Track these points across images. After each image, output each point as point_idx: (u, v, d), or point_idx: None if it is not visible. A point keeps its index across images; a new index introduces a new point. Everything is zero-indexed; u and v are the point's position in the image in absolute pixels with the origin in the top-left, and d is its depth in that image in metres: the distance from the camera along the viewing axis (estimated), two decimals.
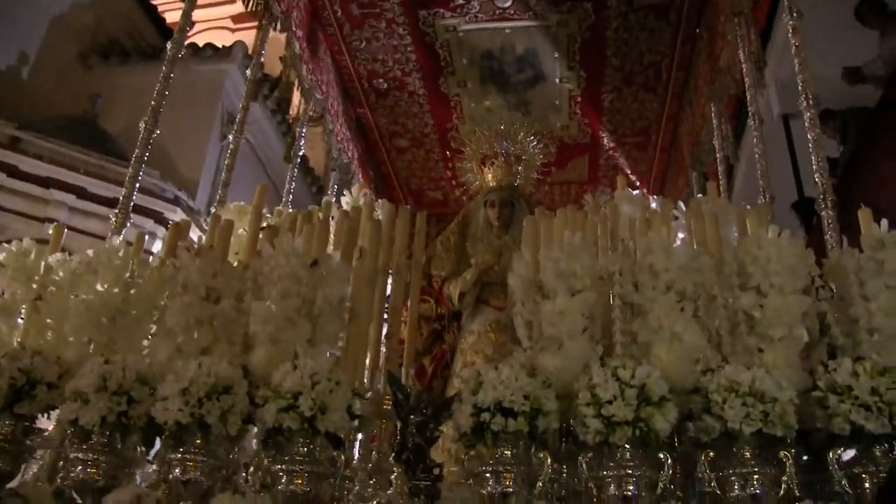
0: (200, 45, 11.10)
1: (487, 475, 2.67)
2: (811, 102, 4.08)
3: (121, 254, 3.34)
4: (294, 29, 6.38)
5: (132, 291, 3.31)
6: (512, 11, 6.87)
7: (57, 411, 3.12)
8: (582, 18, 6.89)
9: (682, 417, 2.70)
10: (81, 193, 8.90)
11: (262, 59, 6.01)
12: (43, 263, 3.45)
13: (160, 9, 13.40)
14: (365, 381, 3.29)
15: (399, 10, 6.86)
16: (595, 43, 7.16)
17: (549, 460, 2.69)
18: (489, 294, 5.66)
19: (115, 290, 3.27)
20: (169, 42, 4.74)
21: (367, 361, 3.43)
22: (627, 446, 2.61)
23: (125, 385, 2.86)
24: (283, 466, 2.74)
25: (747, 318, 2.93)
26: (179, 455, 2.76)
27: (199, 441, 2.76)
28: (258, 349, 2.98)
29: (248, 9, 5.82)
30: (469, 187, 6.49)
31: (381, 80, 7.73)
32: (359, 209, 4.02)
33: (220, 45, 11.05)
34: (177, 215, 8.73)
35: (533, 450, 2.72)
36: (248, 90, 5.88)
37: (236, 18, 16.05)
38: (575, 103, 7.99)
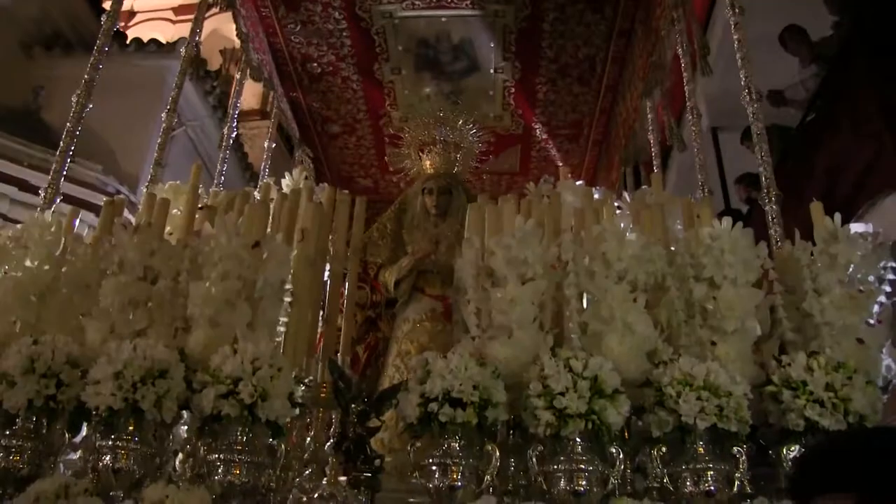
0: (145, 39, 11.01)
1: (434, 468, 2.59)
2: (753, 97, 4.06)
3: (52, 229, 3.16)
4: (238, 7, 6.22)
5: (64, 269, 3.14)
6: (449, 1, 6.76)
7: None
8: (519, 9, 6.82)
9: (633, 411, 2.65)
10: (24, 185, 8.73)
11: (200, 45, 5.82)
12: None
13: None
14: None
15: None
16: (531, 34, 7.10)
17: (498, 453, 2.61)
18: (425, 282, 5.54)
19: (46, 266, 3.10)
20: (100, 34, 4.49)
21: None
22: (579, 440, 2.55)
23: (54, 367, 2.72)
24: (221, 456, 2.63)
25: (700, 309, 2.90)
26: (110, 442, 2.62)
27: (131, 428, 2.62)
28: (196, 332, 2.86)
29: None
30: (404, 174, 6.39)
31: (315, 64, 7.55)
32: (298, 191, 3.92)
33: (164, 41, 10.97)
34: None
35: (481, 441, 2.65)
36: (183, 68, 5.68)
37: (178, 10, 15.87)
38: (509, 94, 7.93)
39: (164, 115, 5.27)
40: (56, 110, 9.64)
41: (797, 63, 8.35)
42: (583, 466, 2.53)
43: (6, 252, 3.13)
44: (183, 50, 10.79)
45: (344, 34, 7.16)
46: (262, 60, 6.86)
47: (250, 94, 12.52)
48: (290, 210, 3.54)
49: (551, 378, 2.55)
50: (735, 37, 4.32)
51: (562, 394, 2.51)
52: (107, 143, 9.26)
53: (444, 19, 7.02)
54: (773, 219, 3.61)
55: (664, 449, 2.65)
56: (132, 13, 20.09)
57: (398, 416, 2.95)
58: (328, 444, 3.09)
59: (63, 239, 3.19)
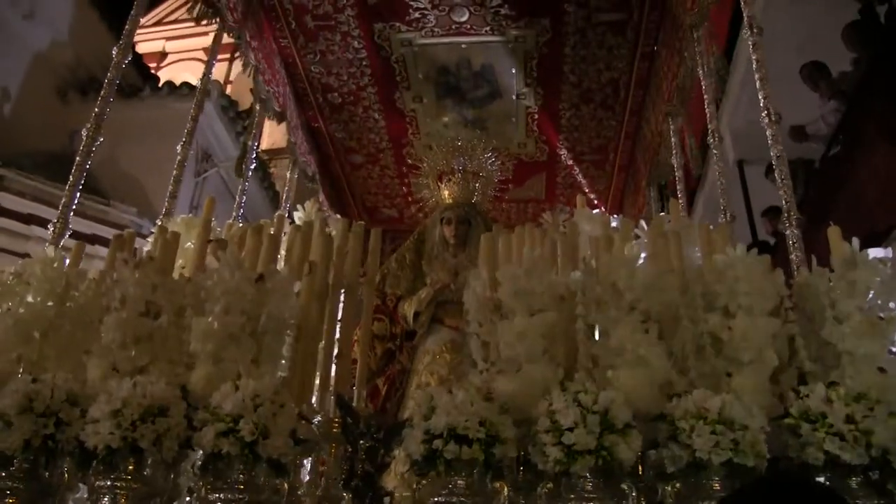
0: (177, 81, 11.29)
1: None
2: (773, 118, 3.97)
3: (55, 265, 3.13)
4: (248, 39, 6.21)
5: (68, 305, 3.10)
6: (469, 26, 6.73)
7: None
8: (539, 34, 6.77)
9: (646, 446, 2.56)
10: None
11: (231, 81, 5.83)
12: None
13: (138, 38, 13.24)
14: (314, 403, 3.11)
15: (354, 23, 6.69)
16: (552, 59, 7.05)
17: (506, 491, 2.53)
18: (444, 313, 5.50)
19: (49, 302, 3.06)
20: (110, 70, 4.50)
21: (317, 382, 3.27)
22: (589, 476, 2.46)
23: (53, 406, 2.67)
24: (221, 495, 2.56)
25: (714, 340, 2.80)
26: (109, 482, 2.56)
27: (131, 467, 2.56)
28: (198, 368, 2.80)
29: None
30: (425, 204, 6.35)
31: (336, 94, 7.55)
32: (311, 224, 3.87)
33: (195, 83, 10.75)
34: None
35: (488, 479, 2.56)
36: (202, 87, 5.67)
37: (208, 51, 15.99)
38: (532, 120, 7.88)
39: (179, 146, 5.21)
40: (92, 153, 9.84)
41: (818, 98, 8.31)
42: None
43: (9, 288, 3.09)
44: (215, 93, 11.33)
45: (364, 63, 7.15)
46: (275, 92, 6.83)
47: (279, 132, 12.65)
48: (302, 242, 3.49)
49: (560, 413, 2.46)
50: (753, 57, 4.23)
51: (570, 429, 2.42)
52: (141, 186, 9.42)
53: (464, 46, 6.98)
54: (793, 243, 3.50)
55: (678, 485, 2.54)
56: (164, 54, 20.47)
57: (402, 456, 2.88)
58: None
59: (66, 274, 3.14)
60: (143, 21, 21.41)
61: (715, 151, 5.16)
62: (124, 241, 3.52)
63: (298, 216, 5.34)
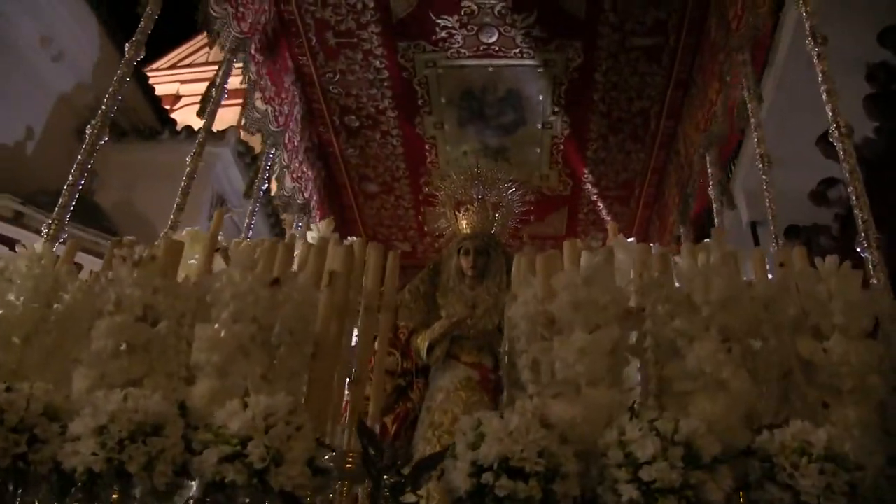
0: (190, 123, 11.36)
1: None
2: (843, 131, 3.62)
3: (43, 261, 2.72)
4: (253, 52, 5.87)
5: (55, 307, 2.70)
6: (497, 48, 6.41)
7: None
8: (570, 58, 6.46)
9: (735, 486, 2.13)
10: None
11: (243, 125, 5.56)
12: None
13: (151, 80, 13.58)
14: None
15: (378, 41, 6.38)
16: (582, 86, 6.73)
17: None
18: (460, 349, 5.15)
19: (34, 304, 2.66)
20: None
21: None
22: None
23: (28, 419, 2.24)
24: None
25: (804, 365, 2.39)
26: None
27: (115, 496, 2.13)
28: (201, 383, 2.39)
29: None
30: (439, 237, 6.02)
31: (354, 116, 7.22)
32: (327, 239, 3.50)
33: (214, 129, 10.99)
34: None
35: None
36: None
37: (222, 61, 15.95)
38: (557, 151, 7.54)
39: (188, 158, 4.86)
40: (106, 193, 10.33)
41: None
42: None
43: None
44: (232, 139, 11.23)
45: (385, 84, 6.84)
46: (275, 111, 6.47)
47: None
48: (319, 253, 3.10)
49: (635, 444, 2.04)
50: (819, 69, 3.88)
51: (649, 462, 2.01)
52: (158, 228, 9.27)
53: (490, 69, 6.68)
54: (874, 266, 3.10)
55: None
56: (178, 97, 20.44)
57: (442, 490, 2.47)
58: None
59: (55, 273, 2.74)
60: (157, 64, 21.68)
61: (765, 178, 4.79)
62: (124, 245, 3.13)
63: (312, 235, 4.98)
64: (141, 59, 4.32)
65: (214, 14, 5.23)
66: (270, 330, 2.48)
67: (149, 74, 14.06)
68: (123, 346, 2.50)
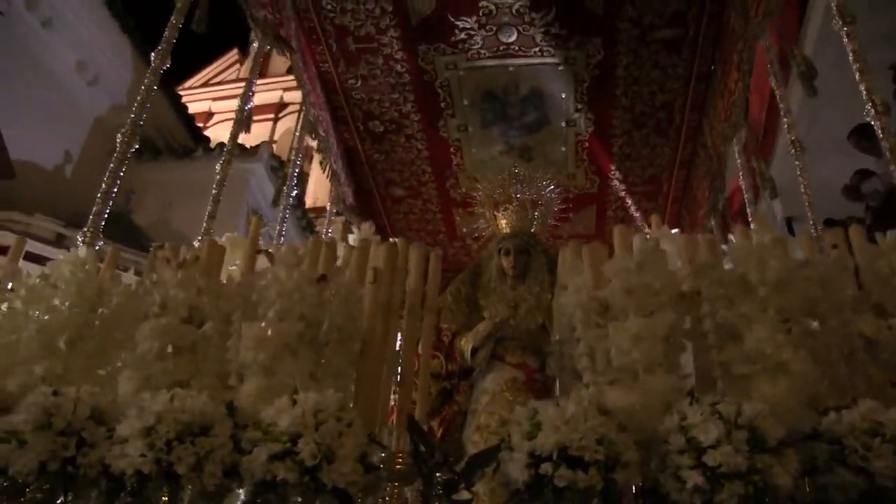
0: (223, 139, 11.19)
1: None
2: (879, 109, 3.54)
3: (87, 266, 2.69)
4: (299, 62, 5.89)
5: (99, 311, 2.66)
6: (517, 47, 6.37)
7: None
8: (591, 55, 6.41)
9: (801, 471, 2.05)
10: None
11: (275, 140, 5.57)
12: None
13: (183, 98, 14.06)
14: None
15: (397, 45, 6.36)
16: (604, 82, 6.68)
17: None
18: (504, 350, 5.08)
19: (77, 309, 2.62)
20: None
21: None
22: None
23: (75, 423, 2.20)
24: None
25: (868, 344, 2.32)
26: None
27: (165, 498, 2.09)
28: (248, 382, 2.34)
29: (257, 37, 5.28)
30: (477, 238, 5.97)
31: (377, 121, 7.19)
32: (369, 240, 3.46)
33: (247, 146, 11.51)
34: None
35: None
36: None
37: (254, 110, 16.22)
38: (582, 149, 7.48)
39: (219, 165, 4.82)
40: (143, 212, 10.71)
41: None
42: None
43: (35, 293, 2.65)
44: (265, 154, 11.34)
45: (407, 88, 6.81)
46: (320, 118, 6.48)
47: (323, 190, 12.57)
48: (362, 252, 3.05)
49: (697, 428, 1.97)
50: (850, 48, 3.80)
51: (713, 447, 1.94)
52: (191, 243, 9.45)
53: (511, 69, 6.64)
54: None
55: None
56: (210, 114, 20.63)
57: (497, 485, 2.40)
58: None
59: (99, 278, 2.70)
60: (190, 82, 21.87)
61: (797, 162, 4.72)
62: (164, 250, 3.11)
63: (353, 238, 4.95)
64: (167, 68, 4.27)
65: (257, 18, 5.25)
66: (317, 327, 2.43)
67: (181, 93, 14.23)
68: (169, 349, 2.47)
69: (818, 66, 4.76)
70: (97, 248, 3.46)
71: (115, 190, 3.69)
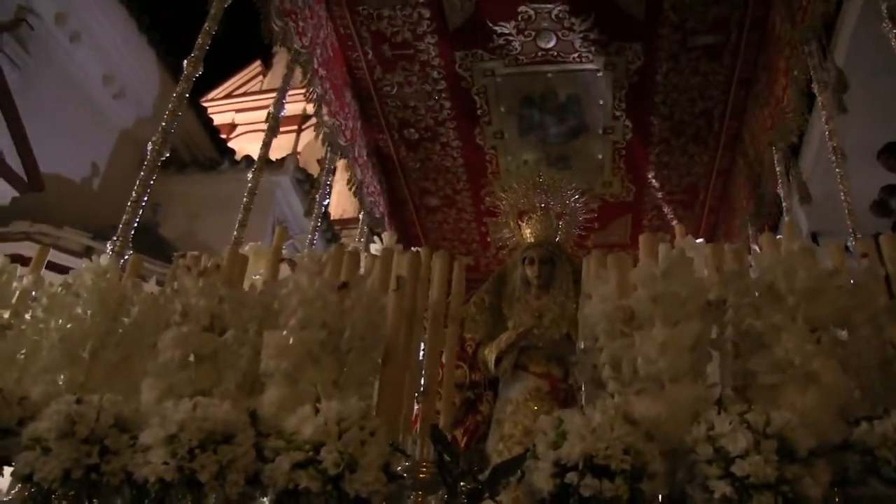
0: (247, 152, 12.06)
1: None
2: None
3: (109, 275, 2.70)
4: (316, 67, 5.85)
5: (122, 320, 2.67)
6: (555, 53, 6.32)
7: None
8: (630, 61, 6.34)
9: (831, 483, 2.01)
10: None
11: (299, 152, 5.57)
12: (17, 287, 2.82)
13: (210, 111, 14.25)
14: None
15: (435, 51, 6.32)
16: (643, 89, 6.60)
17: None
18: (528, 359, 5.08)
19: (101, 317, 2.63)
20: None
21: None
22: None
23: (98, 431, 2.21)
24: None
25: None
26: None
27: None
28: (270, 390, 2.33)
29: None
30: (502, 250, 5.95)
31: (413, 129, 7.16)
32: (392, 249, 3.43)
33: (273, 159, 11.45)
34: None
35: None
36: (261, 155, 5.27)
37: (279, 124, 16.46)
38: (619, 157, 7.39)
39: (250, 174, 4.81)
40: (170, 225, 10.64)
41: None
42: None
43: (57, 301, 2.67)
44: (291, 167, 11.38)
45: (443, 95, 6.77)
46: (341, 126, 6.45)
47: (350, 201, 12.60)
48: (385, 260, 3.03)
49: (725, 438, 1.93)
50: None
51: (741, 457, 1.89)
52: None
53: (549, 75, 6.58)
54: None
55: None
56: (233, 126, 20.77)
57: (521, 495, 2.37)
58: None
59: (121, 286, 2.71)
60: (213, 94, 22.00)
61: (839, 171, 4.64)
62: (185, 258, 3.10)
63: (375, 248, 4.94)
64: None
65: (276, 28, 5.23)
66: (339, 335, 2.42)
67: (204, 104, 14.32)
68: (191, 357, 2.47)
69: (849, 80, 4.71)
70: (125, 258, 3.46)
71: (146, 199, 3.67)
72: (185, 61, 4.23)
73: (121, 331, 2.69)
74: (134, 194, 3.63)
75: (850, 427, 2.11)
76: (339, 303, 2.43)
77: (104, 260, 2.78)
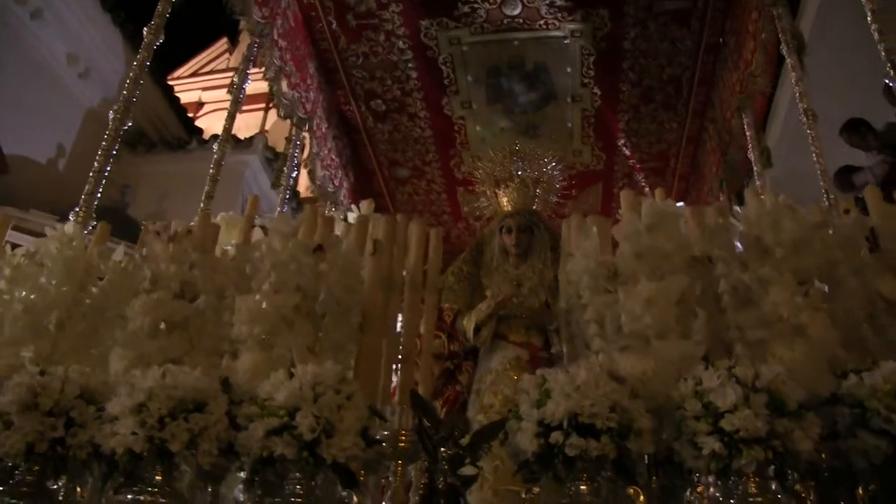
0: (214, 130, 11.77)
1: None
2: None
3: (75, 243, 2.59)
4: (276, 38, 5.72)
5: (89, 290, 2.57)
6: (521, 20, 6.22)
7: None
8: (597, 27, 6.25)
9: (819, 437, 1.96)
10: None
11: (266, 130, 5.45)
12: None
13: (176, 89, 14.13)
14: None
15: (399, 20, 6.20)
16: (611, 55, 6.51)
17: (641, 498, 1.92)
18: (507, 328, 5.01)
19: (66, 287, 2.53)
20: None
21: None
22: (755, 477, 1.85)
23: (63, 403, 2.11)
24: None
25: (888, 306, 2.22)
26: (130, 497, 1.98)
27: (158, 477, 2.00)
28: (244, 356, 2.25)
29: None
30: (477, 219, 5.86)
31: (380, 100, 7.04)
32: (368, 216, 3.37)
33: (241, 137, 11.62)
34: None
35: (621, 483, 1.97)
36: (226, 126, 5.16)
37: (244, 101, 16.27)
38: (588, 125, 7.31)
39: (216, 146, 4.70)
40: (142, 207, 10.57)
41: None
42: None
43: (21, 272, 2.55)
44: (260, 146, 11.30)
45: (409, 65, 6.64)
46: (301, 98, 6.32)
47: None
48: (361, 226, 2.97)
49: (714, 392, 1.88)
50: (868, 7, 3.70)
51: (730, 411, 1.84)
52: None
53: (516, 42, 6.46)
54: None
55: (872, 486, 1.93)
56: (200, 104, 20.49)
57: (503, 464, 2.32)
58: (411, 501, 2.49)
59: (88, 255, 2.60)
60: (180, 72, 21.68)
61: (810, 132, 4.61)
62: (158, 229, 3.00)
63: (352, 216, 4.85)
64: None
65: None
66: (315, 300, 2.35)
67: (171, 83, 14.16)
68: (162, 326, 2.38)
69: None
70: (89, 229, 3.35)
71: (108, 169, 3.56)
72: (145, 29, 4.10)
73: (88, 301, 2.59)
74: (96, 164, 3.52)
75: (839, 381, 2.07)
76: (314, 265, 2.35)
77: (69, 228, 2.66)
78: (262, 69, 5.75)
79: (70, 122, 10.66)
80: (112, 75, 11.20)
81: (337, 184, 7.35)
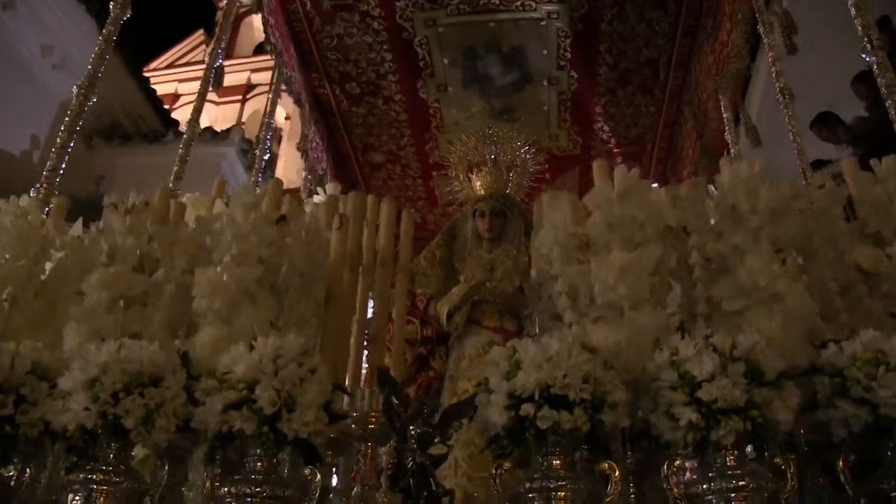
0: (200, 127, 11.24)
1: (532, 496, 1.84)
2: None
3: (30, 217, 2.49)
4: (268, 17, 5.66)
5: (45, 265, 2.48)
6: (498, 2, 6.15)
7: None
8: (574, 8, 6.18)
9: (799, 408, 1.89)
10: None
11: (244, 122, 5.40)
12: None
13: (152, 81, 14.11)
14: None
15: (375, 1, 6.12)
16: (588, 38, 6.45)
17: (616, 473, 1.85)
18: (481, 313, 4.94)
19: (21, 262, 2.43)
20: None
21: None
22: (732, 449, 1.78)
23: (13, 379, 2.02)
24: (233, 489, 1.89)
25: (865, 276, 2.16)
26: (82, 476, 1.89)
27: (112, 456, 1.91)
28: (203, 331, 2.17)
29: None
30: (450, 204, 5.80)
31: (354, 83, 6.94)
32: (336, 196, 3.29)
33: (218, 129, 11.72)
34: None
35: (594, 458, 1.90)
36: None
37: (221, 93, 16.46)
38: (565, 108, 7.24)
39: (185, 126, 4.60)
40: (116, 198, 10.03)
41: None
42: (743, 483, 1.74)
43: None
44: (237, 138, 11.26)
45: (384, 48, 6.56)
46: (292, 78, 6.26)
47: (293, 170, 12.46)
48: (329, 204, 2.89)
49: (690, 362, 1.81)
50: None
51: (708, 381, 1.77)
52: None
53: (492, 24, 6.39)
54: None
55: (853, 456, 1.87)
56: (177, 96, 20.37)
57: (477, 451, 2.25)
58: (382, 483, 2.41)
59: (44, 229, 2.51)
60: (155, 64, 21.56)
61: (787, 111, 4.58)
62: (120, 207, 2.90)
63: (319, 198, 4.77)
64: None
65: None
66: (278, 272, 2.26)
67: (146, 75, 14.07)
68: (121, 302, 2.29)
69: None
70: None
71: (72, 144, 3.47)
72: (112, 4, 3.99)
73: (43, 277, 2.49)
74: (59, 140, 3.43)
75: (817, 351, 2.01)
76: (277, 237, 2.27)
77: (24, 201, 2.56)
78: (237, 61, 5.69)
79: (44, 114, 10.51)
80: (87, 66, 11.01)
81: (324, 167, 7.29)
